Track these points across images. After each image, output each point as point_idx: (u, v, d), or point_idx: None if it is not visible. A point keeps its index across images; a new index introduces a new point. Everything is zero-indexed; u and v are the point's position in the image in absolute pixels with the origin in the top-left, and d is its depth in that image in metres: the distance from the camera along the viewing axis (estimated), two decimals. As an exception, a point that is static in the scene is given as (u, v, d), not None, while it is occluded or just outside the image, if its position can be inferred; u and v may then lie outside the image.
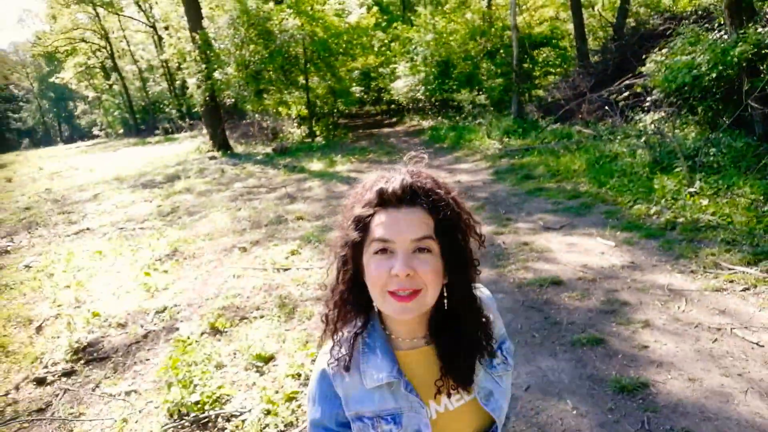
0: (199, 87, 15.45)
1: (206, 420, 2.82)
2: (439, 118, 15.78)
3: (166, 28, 24.94)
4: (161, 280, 5.25)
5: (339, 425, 0.95)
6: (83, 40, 33.52)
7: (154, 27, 30.21)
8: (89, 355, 3.90)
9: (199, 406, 2.89)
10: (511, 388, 1.05)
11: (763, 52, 5.70)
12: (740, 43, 5.61)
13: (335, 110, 18.84)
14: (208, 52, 15.13)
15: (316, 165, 11.82)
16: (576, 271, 4.33)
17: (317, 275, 4.93)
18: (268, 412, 2.79)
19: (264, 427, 2.70)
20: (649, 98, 7.77)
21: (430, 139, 13.87)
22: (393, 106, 20.91)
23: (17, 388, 3.53)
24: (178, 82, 26.01)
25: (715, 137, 6.05)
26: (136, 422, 2.93)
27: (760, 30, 5.83)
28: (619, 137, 7.70)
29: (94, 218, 8.91)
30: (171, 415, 2.88)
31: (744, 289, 3.62)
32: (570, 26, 12.89)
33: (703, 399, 2.62)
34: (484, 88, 13.08)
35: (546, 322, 3.57)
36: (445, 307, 0.97)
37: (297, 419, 2.77)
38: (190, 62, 16.13)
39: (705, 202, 5.00)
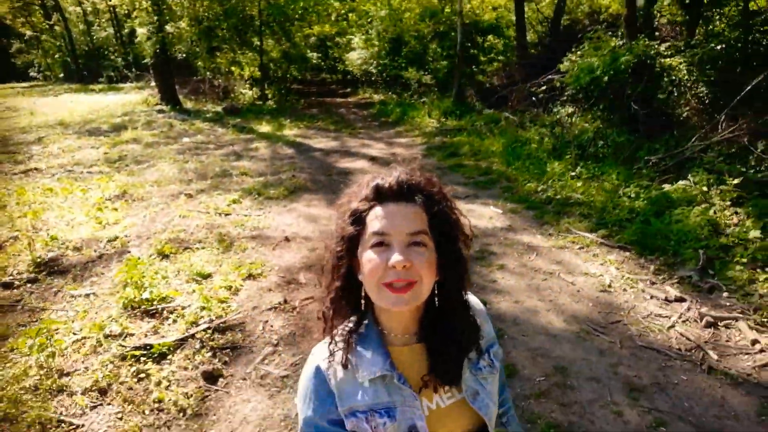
0: (149, 39, 15.53)
1: (154, 311, 3.73)
2: (390, 93, 16.67)
3: (117, -29, 24.22)
4: (112, 216, 5.99)
5: (331, 423, 0.97)
6: (21, -28, 31.74)
7: (102, -33, 29.03)
8: (50, 268, 4.65)
9: (148, 302, 3.79)
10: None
11: (648, 62, 6.98)
12: (626, 53, 6.86)
13: (288, 75, 19.31)
14: (160, 3, 15.24)
15: (264, 127, 12.50)
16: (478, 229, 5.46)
17: (254, 220, 5.84)
18: (204, 308, 3.74)
19: (200, 318, 3.65)
20: (566, 94, 9.02)
21: (377, 113, 14.77)
22: (348, 77, 21.55)
23: (-13, 290, 4.27)
24: (126, 30, 25.40)
25: (602, 132, 7.35)
26: (96, 313, 3.79)
27: (648, 43, 7.11)
28: (534, 126, 8.92)
29: (40, 160, 9.29)
30: (125, 308, 3.76)
31: (580, 248, 4.86)
32: (517, 17, 14.00)
33: (519, 313, 3.79)
34: (430, 69, 14.10)
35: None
36: (436, 305, 1.01)
37: (225, 314, 3.74)
38: (140, 11, 16.13)
39: (579, 183, 6.25)
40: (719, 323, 3.47)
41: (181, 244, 5.05)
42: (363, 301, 1.01)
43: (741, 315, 3.52)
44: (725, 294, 3.83)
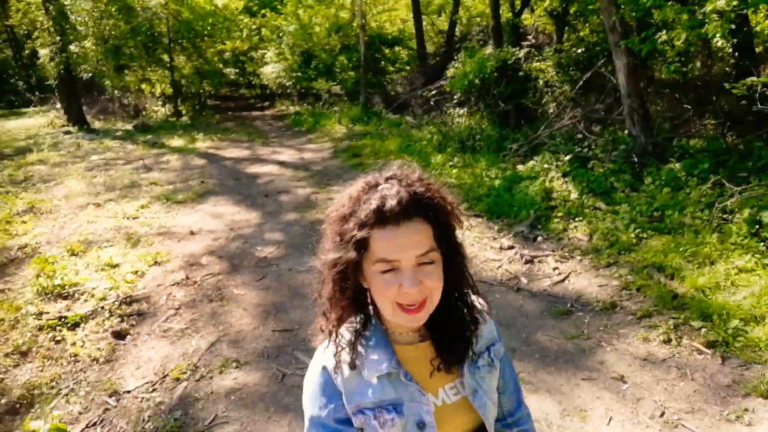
0: (52, 59, 15.48)
1: (66, 294, 4.32)
2: (304, 104, 17.51)
3: (12, -9, 23.57)
4: (21, 228, 6.38)
5: (338, 422, 1.00)
6: None
7: (-6, -14, 27.98)
8: (-39, 274, 5.07)
9: (60, 287, 4.37)
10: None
11: (510, 65, 8.29)
12: (491, 59, 8.12)
13: (202, 90, 19.68)
14: (63, 23, 15.28)
15: (176, 141, 12.92)
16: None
17: (162, 220, 6.45)
18: (111, 288, 4.38)
19: (108, 295, 4.28)
20: (455, 96, 10.26)
21: (291, 123, 15.54)
22: (266, 91, 22.16)
23: None
24: (27, 51, 24.64)
25: (478, 127, 8.57)
26: (12, 301, 4.32)
27: (510, 50, 8.43)
28: (428, 126, 10.08)
29: (-63, 185, 9.30)
30: (38, 294, 4.32)
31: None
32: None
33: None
34: (339, 80, 15.10)
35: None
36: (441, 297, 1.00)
37: (131, 291, 4.39)
38: (41, 31, 16.02)
39: (455, 171, 7.36)
40: (534, 260, 4.56)
41: (90, 244, 5.59)
42: (371, 306, 1.04)
43: (551, 253, 4.64)
44: (545, 240, 4.96)
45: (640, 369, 3.00)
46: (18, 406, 3.08)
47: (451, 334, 1.04)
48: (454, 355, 1.03)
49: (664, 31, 5.21)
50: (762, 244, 3.88)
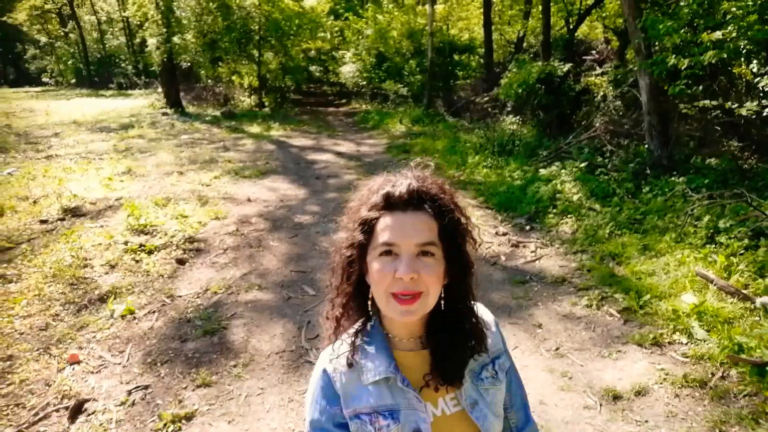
0: (158, 48, 17.86)
1: (147, 231, 5.75)
2: (375, 103, 18.83)
3: (131, -14, 26.93)
4: (119, 185, 8.06)
5: (337, 425, 1.02)
6: (40, -18, 34.70)
7: (118, -20, 31.87)
8: (73, 213, 6.69)
9: (143, 225, 5.82)
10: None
11: (555, 77, 9.02)
12: (534, 72, 8.90)
13: (284, 85, 21.57)
14: (169, 16, 17.60)
15: (254, 128, 14.65)
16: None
17: (228, 189, 7.88)
18: (180, 230, 5.75)
19: (176, 235, 5.66)
20: (508, 104, 11.07)
21: (359, 120, 16.89)
22: (344, 89, 23.80)
23: (29, 224, 6.32)
24: (137, 40, 27.95)
25: (518, 132, 9.35)
26: (111, 233, 5.80)
27: (553, 64, 9.15)
28: (477, 130, 10.96)
29: (59, 149, 11.46)
30: (127, 229, 5.78)
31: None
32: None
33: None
34: (407, 82, 16.25)
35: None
36: (442, 309, 1.03)
37: (195, 234, 5.75)
38: (151, 23, 18.49)
39: (486, 170, 8.24)
40: (519, 245, 5.42)
41: (169, 200, 7.08)
42: (369, 304, 1.04)
43: (536, 240, 5.47)
44: (537, 231, 5.78)
45: (557, 322, 3.84)
46: (105, 297, 4.44)
47: (448, 348, 1.04)
48: (448, 370, 1.04)
49: (673, 56, 5.84)
50: (710, 245, 4.52)
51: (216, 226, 6.17)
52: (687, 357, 3.26)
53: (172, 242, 5.47)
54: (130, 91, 27.66)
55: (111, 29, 34.87)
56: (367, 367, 1.03)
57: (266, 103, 20.08)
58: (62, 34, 37.00)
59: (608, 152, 7.41)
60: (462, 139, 10.70)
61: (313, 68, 25.79)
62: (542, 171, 7.44)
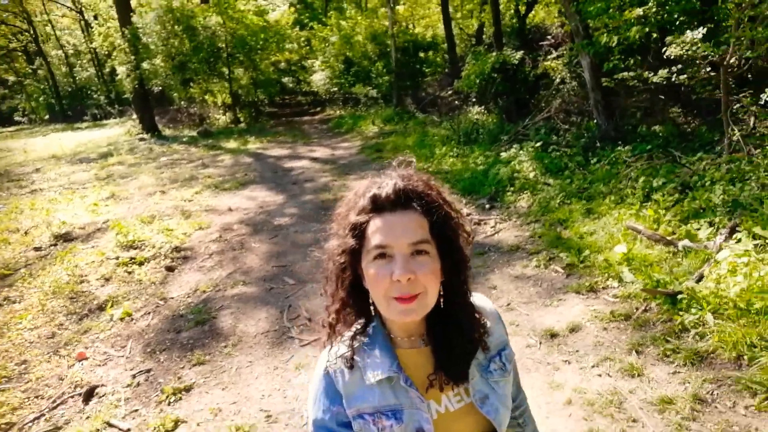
0: (128, 75, 18.25)
1: (136, 246, 6.20)
2: (348, 108, 19.37)
3: (95, 17, 27.29)
4: (104, 209, 8.48)
5: (340, 425, 1.04)
6: (3, 22, 34.87)
7: (81, 12, 32.20)
8: (64, 239, 7.10)
9: (132, 241, 6.26)
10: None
11: (504, 67, 9.60)
12: (488, 62, 9.47)
13: (257, 99, 22.03)
14: (136, 44, 18.00)
15: (232, 144, 15.10)
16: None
17: (209, 201, 8.34)
18: (167, 242, 6.21)
19: (164, 246, 6.11)
20: (471, 96, 11.64)
21: (334, 126, 17.41)
22: (315, 97, 24.29)
23: (24, 252, 6.74)
24: (107, 69, 28.29)
25: (481, 122, 9.91)
26: (102, 251, 6.24)
27: (508, 52, 9.73)
28: (444, 123, 11.51)
29: (42, 183, 11.83)
30: (117, 245, 6.23)
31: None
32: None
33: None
34: (375, 84, 16.82)
35: (328, 211, 7.17)
36: (441, 305, 1.04)
37: (181, 244, 6.21)
38: (119, 51, 18.88)
39: (452, 159, 8.78)
40: (482, 222, 5.95)
41: (154, 217, 7.53)
42: (372, 308, 1.05)
43: (496, 216, 6.01)
44: (497, 209, 6.32)
45: (510, 282, 4.37)
46: (104, 305, 4.89)
47: (449, 345, 1.05)
48: (452, 369, 1.05)
49: (605, 35, 6.42)
50: (646, 203, 5.07)
51: (200, 235, 6.63)
52: (617, 298, 3.79)
53: (160, 253, 5.93)
54: (105, 121, 27.98)
55: (79, 61, 35.12)
56: (369, 367, 1.04)
57: (241, 119, 20.53)
58: (30, 71, 37.19)
59: (562, 130, 7.98)
60: (430, 133, 11.25)
61: (285, 80, 26.27)
62: (503, 154, 8.00)
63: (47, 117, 36.04)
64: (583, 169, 6.61)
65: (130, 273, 5.52)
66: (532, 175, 6.83)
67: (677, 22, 5.84)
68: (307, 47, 23.06)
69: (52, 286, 5.26)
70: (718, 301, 3.25)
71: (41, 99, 36.42)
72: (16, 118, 38.62)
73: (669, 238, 4.25)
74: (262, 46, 19.37)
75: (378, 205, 0.99)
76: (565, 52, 10.83)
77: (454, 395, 1.06)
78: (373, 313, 1.07)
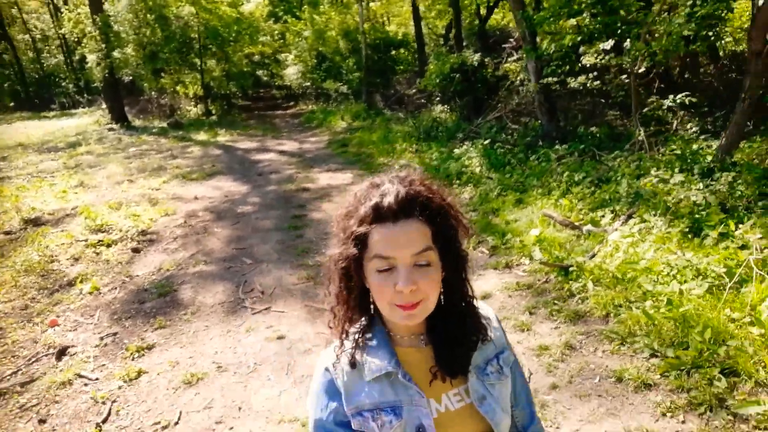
0: (98, 64, 18.41)
1: (104, 229, 6.69)
2: (319, 103, 19.90)
3: (65, 2, 27.20)
4: (73, 197, 8.90)
5: (339, 424, 1.06)
6: (-35, 4, 34.32)
7: (50, -3, 31.92)
8: (33, 223, 7.52)
9: (99, 225, 6.75)
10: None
11: (463, 67, 10.29)
12: (448, 62, 10.14)
13: (229, 92, 22.39)
14: (108, 32, 18.20)
15: (201, 136, 15.50)
16: (321, 186, 8.56)
17: (176, 190, 8.83)
18: (133, 226, 6.72)
19: (130, 230, 6.61)
20: (436, 94, 12.31)
21: (305, 120, 17.93)
22: (289, 91, 24.75)
23: (-4, 233, 7.14)
24: (76, 57, 28.19)
25: (441, 119, 10.59)
26: (71, 233, 6.71)
27: (466, 54, 10.42)
28: (409, 120, 12.16)
29: (9, 171, 12.10)
30: (85, 228, 6.70)
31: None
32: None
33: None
34: (346, 80, 17.40)
35: (290, 201, 7.74)
36: (442, 303, 1.06)
37: (147, 228, 6.72)
38: (89, 39, 19.03)
39: (410, 155, 9.43)
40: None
41: (122, 204, 8.00)
42: (372, 306, 1.07)
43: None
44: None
45: (441, 261, 5.02)
46: (73, 281, 5.39)
47: (449, 341, 1.07)
48: (452, 363, 1.07)
49: (545, 42, 7.13)
50: (568, 195, 5.78)
51: (166, 221, 7.14)
52: (526, 272, 4.48)
53: (127, 236, 6.44)
54: (73, 111, 27.83)
55: (47, 47, 34.76)
56: (368, 363, 1.06)
57: (213, 111, 20.88)
58: (-6, 56, 36.61)
59: (511, 129, 8.70)
60: (394, 129, 11.88)
61: (260, 72, 26.67)
62: (456, 151, 8.68)
63: (12, 104, 35.54)
64: (522, 165, 7.32)
65: (98, 254, 6.02)
66: (478, 170, 7.51)
67: (605, 34, 6.57)
68: (281, 41, 23.50)
69: (23, 264, 5.73)
70: (600, 272, 3.96)
71: (6, 85, 35.84)
72: (-21, 105, 37.96)
73: (577, 223, 4.97)
74: (235, 38, 19.76)
75: (380, 215, 0.99)
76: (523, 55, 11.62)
77: (454, 395, 1.08)
78: (373, 312, 1.10)
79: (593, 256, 4.29)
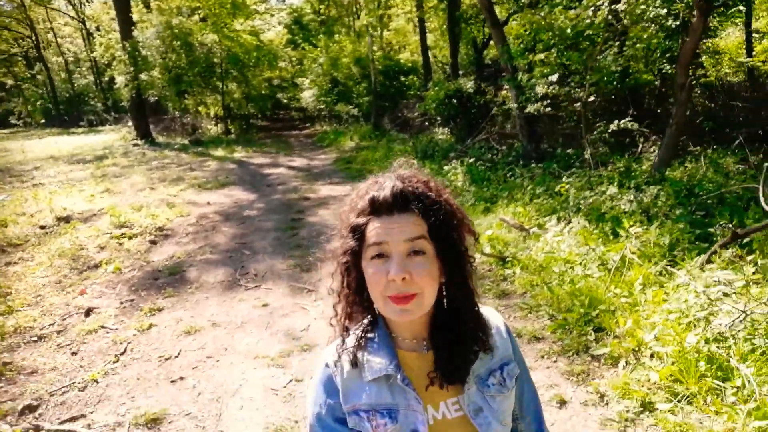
0: (126, 85, 19.99)
1: (127, 225, 7.78)
2: (333, 124, 21.16)
3: (98, 29, 29.25)
4: (100, 200, 10.07)
5: (337, 421, 1.08)
6: (6, 28, 36.82)
7: (83, 22, 34.21)
8: (65, 220, 8.66)
9: (123, 222, 7.84)
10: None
11: (458, 94, 11.35)
12: (443, 89, 11.21)
13: (248, 113, 23.84)
14: (136, 56, 19.79)
15: (219, 152, 16.77)
16: (321, 196, 9.59)
17: (191, 197, 9.94)
18: (152, 223, 7.79)
19: (149, 226, 7.69)
20: (437, 117, 13.37)
21: (317, 140, 19.15)
22: (306, 113, 26.16)
23: (31, 229, 8.28)
24: (105, 78, 30.08)
25: (437, 140, 11.61)
26: (98, 228, 7.80)
27: (458, 82, 11.49)
28: (410, 141, 13.22)
29: (42, 179, 13.42)
30: (110, 224, 7.79)
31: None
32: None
33: (330, 218, 7.85)
34: (356, 104, 18.65)
35: (291, 207, 8.77)
36: (444, 306, 1.08)
37: (164, 225, 7.79)
38: (119, 62, 20.66)
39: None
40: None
41: (142, 206, 9.12)
42: (375, 306, 1.08)
43: (420, 215, 7.62)
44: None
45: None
46: (99, 264, 6.44)
47: (449, 347, 1.07)
48: (450, 370, 1.06)
49: (521, 74, 8.14)
50: (529, 204, 6.69)
51: (180, 220, 8.22)
52: (476, 263, 5.38)
53: (146, 231, 7.51)
54: (100, 128, 29.67)
55: (79, 69, 36.98)
56: (368, 364, 1.08)
57: (232, 130, 22.29)
58: (29, 76, 39.03)
59: (497, 149, 9.67)
60: (395, 149, 12.95)
61: (279, 95, 28.15)
62: (445, 168, 9.66)
63: (43, 121, 37.69)
64: (499, 181, 8.26)
65: (120, 244, 7.09)
66: (460, 184, 8.47)
67: (566, 67, 7.57)
68: (300, 66, 25.01)
69: (57, 250, 6.82)
70: (529, 261, 4.86)
71: (38, 103, 38.11)
72: (12, 121, 40.26)
73: (527, 227, 5.87)
74: (255, 64, 21.22)
75: (376, 207, 1.03)
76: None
77: (453, 403, 1.08)
78: (376, 312, 1.11)
79: (529, 250, 5.20)
